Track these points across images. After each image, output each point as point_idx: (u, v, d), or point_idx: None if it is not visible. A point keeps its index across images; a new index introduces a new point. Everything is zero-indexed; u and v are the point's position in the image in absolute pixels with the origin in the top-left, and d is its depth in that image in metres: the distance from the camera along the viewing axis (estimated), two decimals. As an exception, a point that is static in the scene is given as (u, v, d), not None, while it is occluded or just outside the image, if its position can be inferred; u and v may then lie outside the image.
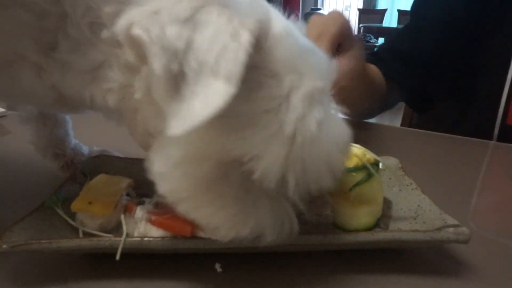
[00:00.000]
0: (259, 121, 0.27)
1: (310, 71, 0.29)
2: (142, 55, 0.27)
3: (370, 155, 0.43)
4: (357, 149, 0.43)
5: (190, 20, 0.25)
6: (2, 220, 0.38)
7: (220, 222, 0.31)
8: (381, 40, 5.45)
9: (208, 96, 0.24)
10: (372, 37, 5.55)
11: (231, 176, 0.30)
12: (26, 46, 0.32)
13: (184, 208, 0.31)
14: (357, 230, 0.41)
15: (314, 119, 0.28)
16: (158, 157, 0.31)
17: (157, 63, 0.24)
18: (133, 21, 0.26)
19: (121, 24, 0.27)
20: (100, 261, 0.37)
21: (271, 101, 0.27)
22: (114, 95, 0.32)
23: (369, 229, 0.42)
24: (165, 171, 0.30)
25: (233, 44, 0.24)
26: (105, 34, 0.30)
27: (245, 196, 0.31)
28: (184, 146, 0.29)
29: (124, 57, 0.30)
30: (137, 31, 0.25)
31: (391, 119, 3.30)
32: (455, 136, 0.75)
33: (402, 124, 1.21)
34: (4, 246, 0.33)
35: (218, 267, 0.37)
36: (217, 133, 0.28)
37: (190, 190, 0.30)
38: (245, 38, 0.24)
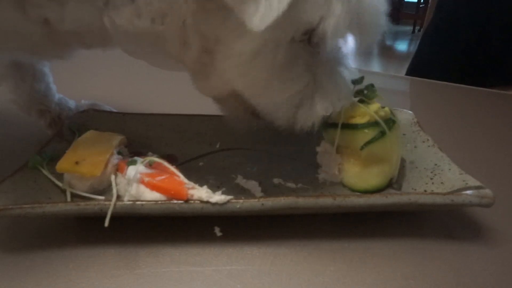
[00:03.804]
0: None
1: None
2: None
3: (385, 110, 0.39)
4: (371, 104, 0.38)
5: None
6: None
7: (283, 104, 0.34)
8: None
9: None
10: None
11: (298, 56, 0.33)
12: None
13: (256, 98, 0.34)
14: (367, 191, 0.38)
15: None
16: (228, 60, 0.32)
17: None
18: None
19: None
20: (91, 224, 0.34)
21: None
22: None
23: (380, 190, 0.39)
24: (241, 69, 0.32)
25: None
26: None
27: (306, 76, 0.34)
28: (255, 40, 0.30)
29: None
30: None
31: (397, 69, 3.19)
32: (478, 88, 0.69)
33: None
34: (-16, 211, 0.30)
35: (217, 231, 0.34)
36: (286, 14, 0.28)
37: (264, 79, 0.33)
38: None
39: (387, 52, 3.78)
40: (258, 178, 0.40)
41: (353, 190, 0.39)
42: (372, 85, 0.39)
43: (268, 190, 0.39)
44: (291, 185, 0.40)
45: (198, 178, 0.34)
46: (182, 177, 0.34)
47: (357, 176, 0.39)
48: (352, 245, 0.33)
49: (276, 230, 0.35)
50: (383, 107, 0.39)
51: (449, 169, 0.37)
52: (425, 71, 0.80)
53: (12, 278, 0.29)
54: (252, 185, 0.39)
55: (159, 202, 0.32)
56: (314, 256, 0.32)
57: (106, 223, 0.30)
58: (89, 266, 0.30)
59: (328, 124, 0.41)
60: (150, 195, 0.33)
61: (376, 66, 3.30)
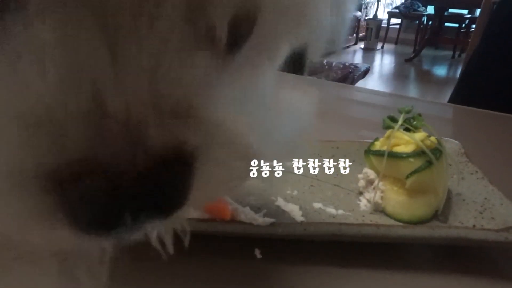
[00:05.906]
0: None
1: None
2: None
3: (432, 139, 0.38)
4: (417, 132, 0.38)
5: None
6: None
7: None
8: (430, 8, 5.05)
9: None
10: (420, 5, 5.16)
11: None
12: None
13: None
14: (410, 222, 0.37)
15: None
16: None
17: None
18: None
19: None
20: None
21: None
22: None
23: (424, 221, 0.38)
24: None
25: None
26: None
27: None
28: None
29: None
30: None
31: (435, 94, 3.10)
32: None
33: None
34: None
35: (258, 253, 0.34)
36: None
37: None
38: None
39: (424, 77, 3.71)
40: (298, 202, 0.40)
41: (395, 220, 0.38)
42: (419, 115, 0.38)
43: (309, 215, 0.39)
44: (331, 211, 0.40)
45: (239, 198, 0.35)
46: (225, 196, 0.35)
47: (400, 206, 0.38)
48: (391, 276, 0.32)
49: (315, 254, 0.34)
50: (429, 136, 0.39)
51: (501, 204, 0.35)
52: (470, 99, 0.78)
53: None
54: (292, 209, 0.39)
55: (203, 220, 0.33)
56: (353, 285, 0.31)
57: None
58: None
59: (371, 151, 0.41)
60: (194, 214, 0.34)
61: (412, 91, 3.23)
